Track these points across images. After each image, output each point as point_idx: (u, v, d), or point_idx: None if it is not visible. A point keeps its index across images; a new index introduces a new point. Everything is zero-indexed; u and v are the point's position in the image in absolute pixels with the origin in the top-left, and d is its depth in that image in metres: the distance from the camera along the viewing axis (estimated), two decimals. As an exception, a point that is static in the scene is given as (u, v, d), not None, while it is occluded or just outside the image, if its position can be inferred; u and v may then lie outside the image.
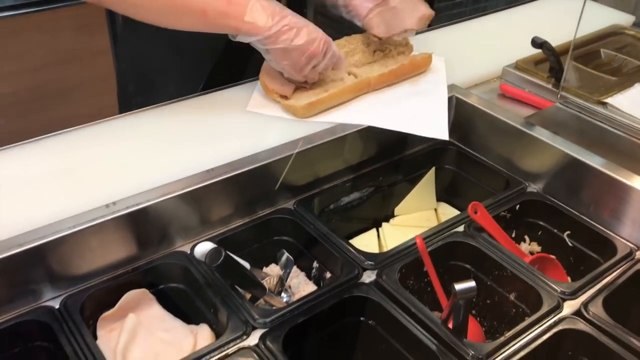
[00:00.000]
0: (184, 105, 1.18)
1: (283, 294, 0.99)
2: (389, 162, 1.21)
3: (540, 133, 1.12)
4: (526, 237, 1.11)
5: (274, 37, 1.03)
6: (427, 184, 1.23)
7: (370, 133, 1.15)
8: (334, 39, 1.26)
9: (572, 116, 1.17)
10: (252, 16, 1.00)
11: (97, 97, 2.29)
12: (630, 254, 0.98)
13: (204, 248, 0.86)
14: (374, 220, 1.21)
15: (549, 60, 1.24)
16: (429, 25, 2.23)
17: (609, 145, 1.11)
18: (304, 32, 1.05)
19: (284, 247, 1.04)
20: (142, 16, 1.02)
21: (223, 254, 0.83)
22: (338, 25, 1.33)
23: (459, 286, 0.75)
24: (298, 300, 0.87)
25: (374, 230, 1.19)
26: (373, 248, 1.15)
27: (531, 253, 1.09)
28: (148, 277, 0.93)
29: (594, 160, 1.04)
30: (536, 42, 1.24)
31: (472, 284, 0.75)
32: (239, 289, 0.92)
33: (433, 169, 1.23)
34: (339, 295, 0.88)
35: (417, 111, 1.17)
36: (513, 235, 1.11)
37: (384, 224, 1.20)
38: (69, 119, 1.17)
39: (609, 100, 1.19)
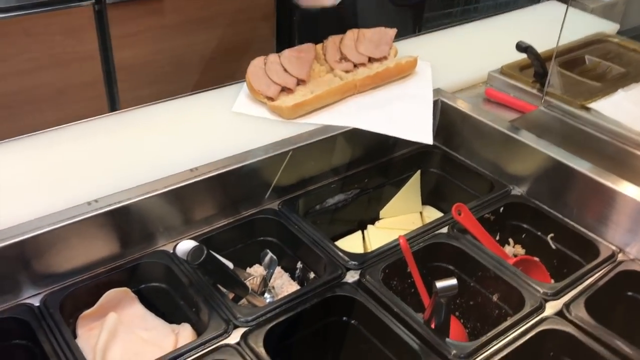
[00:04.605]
0: (171, 105, 1.18)
1: (266, 294, 0.98)
2: (374, 164, 1.21)
3: (525, 137, 1.12)
4: (510, 240, 1.12)
5: None
6: (412, 187, 1.23)
7: (356, 135, 1.15)
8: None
9: (555, 120, 1.18)
10: None
11: (85, 102, 2.28)
12: (612, 256, 0.99)
13: (186, 246, 0.85)
14: (359, 222, 1.21)
15: (534, 65, 1.25)
16: (418, 30, 2.24)
17: (591, 148, 1.12)
18: None
19: (268, 247, 1.03)
20: None
21: (205, 252, 0.83)
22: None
23: (440, 284, 0.75)
24: (280, 300, 0.86)
25: (359, 233, 1.19)
26: (358, 250, 1.14)
27: (515, 256, 1.09)
28: (130, 275, 0.92)
29: (577, 164, 1.05)
30: (521, 47, 1.25)
31: (453, 281, 0.75)
32: (221, 288, 0.91)
33: (418, 172, 1.24)
34: (322, 294, 0.88)
35: (402, 115, 1.17)
36: (497, 237, 1.11)
37: (369, 226, 1.20)
38: (57, 122, 1.17)
39: (592, 105, 1.20)
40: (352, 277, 0.92)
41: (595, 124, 1.14)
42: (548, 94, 1.23)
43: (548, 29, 1.37)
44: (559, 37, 1.19)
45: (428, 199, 1.26)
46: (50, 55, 2.15)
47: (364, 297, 0.88)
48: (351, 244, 1.16)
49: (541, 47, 1.32)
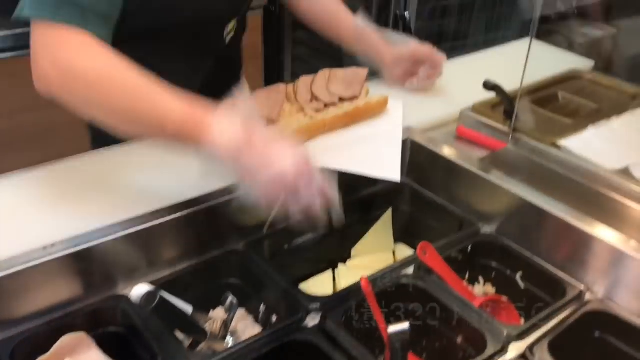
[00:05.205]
0: (140, 145, 1.18)
1: (228, 338, 0.96)
2: (344, 202, 1.19)
3: (493, 175, 1.12)
4: (480, 279, 1.10)
5: (239, 156, 0.86)
6: (383, 225, 1.22)
7: (324, 174, 1.14)
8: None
9: (523, 158, 1.18)
10: (218, 131, 0.86)
11: (68, 142, 2.29)
12: (579, 295, 0.97)
13: (140, 291, 0.84)
14: (330, 261, 1.20)
15: (503, 102, 1.26)
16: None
17: (560, 186, 1.11)
18: (277, 152, 0.87)
19: (233, 289, 1.02)
20: (98, 117, 0.91)
21: (158, 296, 0.82)
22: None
23: (392, 329, 0.74)
24: (234, 346, 0.85)
25: (329, 272, 1.18)
26: (328, 290, 1.13)
27: (486, 295, 1.08)
28: (88, 320, 0.91)
29: (545, 203, 1.04)
30: (488, 85, 1.25)
31: (405, 325, 0.74)
32: (181, 333, 0.90)
33: (390, 209, 1.23)
34: (279, 339, 0.86)
35: (370, 153, 1.17)
36: (467, 276, 1.10)
37: (340, 265, 1.19)
38: (41, 162, 1.17)
39: (561, 142, 1.20)
40: (313, 320, 0.91)
41: (562, 161, 1.14)
42: (517, 131, 1.23)
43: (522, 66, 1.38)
44: (523, 75, 1.19)
45: (401, 236, 1.25)
46: (34, 96, 2.18)
47: (322, 341, 0.87)
48: (321, 284, 1.15)
49: (517, 84, 1.33)
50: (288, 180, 0.86)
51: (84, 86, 0.88)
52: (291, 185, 0.86)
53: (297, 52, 2.81)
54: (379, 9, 2.77)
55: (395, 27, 2.72)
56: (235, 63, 1.42)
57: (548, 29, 3.20)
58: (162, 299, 0.83)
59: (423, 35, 2.84)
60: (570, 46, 2.96)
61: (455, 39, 3.02)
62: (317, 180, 0.89)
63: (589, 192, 1.10)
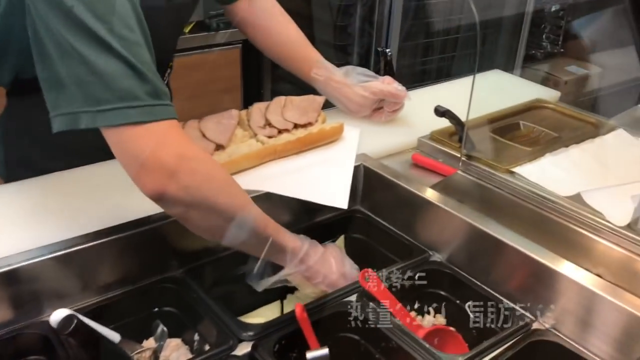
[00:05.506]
0: (86, 170, 1.15)
1: (159, 368, 0.92)
2: (295, 229, 1.16)
3: (444, 202, 1.09)
4: (430, 309, 1.07)
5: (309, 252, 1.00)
6: (336, 253, 1.19)
7: (274, 200, 1.12)
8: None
9: (474, 184, 1.16)
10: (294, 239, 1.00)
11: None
12: (526, 325, 0.94)
13: (58, 315, 0.81)
14: (280, 291, 1.16)
15: (456, 129, 1.24)
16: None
17: (510, 213, 1.09)
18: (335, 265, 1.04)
19: (169, 318, 0.98)
20: (208, 218, 0.89)
21: (75, 321, 0.78)
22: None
23: (310, 354, 0.70)
24: (156, 374, 0.81)
25: (277, 302, 1.14)
26: (274, 321, 1.09)
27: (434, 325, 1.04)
28: (6, 347, 0.87)
29: (495, 231, 1.01)
30: (439, 111, 1.24)
31: (324, 351, 0.70)
32: (106, 362, 0.86)
33: (342, 237, 1.20)
34: (205, 368, 0.82)
35: (320, 179, 1.15)
36: (416, 305, 1.06)
37: (288, 295, 1.15)
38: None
39: (516, 169, 1.18)
40: (244, 349, 0.87)
41: (512, 187, 1.12)
42: (473, 158, 1.21)
43: (490, 95, 1.37)
44: (470, 102, 1.18)
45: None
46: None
47: (250, 370, 0.83)
48: (267, 314, 1.11)
49: (482, 112, 1.33)
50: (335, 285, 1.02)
51: (216, 188, 0.89)
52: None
53: (278, 88, 2.81)
54: (360, 43, 2.79)
55: (377, 64, 2.73)
56: None
57: (534, 67, 3.24)
58: (83, 325, 0.79)
59: (406, 72, 2.87)
60: (555, 84, 2.98)
61: (438, 76, 3.03)
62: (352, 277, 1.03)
63: (539, 218, 1.07)
